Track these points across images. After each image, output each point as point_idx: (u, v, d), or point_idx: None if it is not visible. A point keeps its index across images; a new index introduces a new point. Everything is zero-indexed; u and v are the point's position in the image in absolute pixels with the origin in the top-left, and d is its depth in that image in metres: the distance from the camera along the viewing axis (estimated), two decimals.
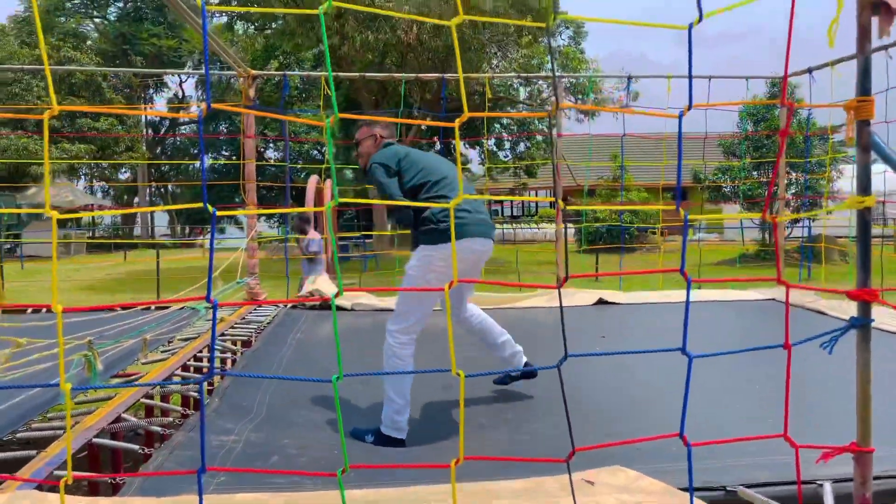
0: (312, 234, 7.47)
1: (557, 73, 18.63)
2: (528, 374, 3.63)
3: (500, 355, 3.62)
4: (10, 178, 24.84)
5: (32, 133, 23.94)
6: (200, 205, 1.74)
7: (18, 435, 2.77)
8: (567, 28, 27.32)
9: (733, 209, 20.01)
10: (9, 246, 24.12)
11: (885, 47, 5.89)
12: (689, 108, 1.89)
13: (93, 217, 35.95)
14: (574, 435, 1.95)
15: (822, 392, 3.66)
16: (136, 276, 16.82)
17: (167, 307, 5.20)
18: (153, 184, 34.54)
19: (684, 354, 1.82)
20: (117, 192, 36.70)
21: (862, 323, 1.92)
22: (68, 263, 20.91)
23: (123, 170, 37.38)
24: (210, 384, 4.34)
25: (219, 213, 1.71)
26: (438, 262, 3.21)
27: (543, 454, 2.70)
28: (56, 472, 2.27)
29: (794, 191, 15.09)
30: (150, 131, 36.66)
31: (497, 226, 27.09)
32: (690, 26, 1.87)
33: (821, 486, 2.29)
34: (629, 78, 6.79)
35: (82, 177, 34.89)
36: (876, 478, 2.03)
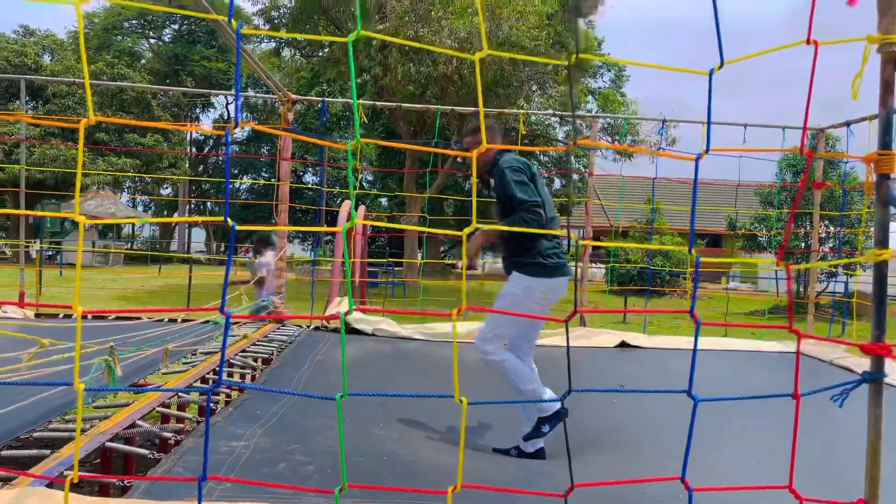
0: (266, 259, 7.45)
1: (595, 114, 18.72)
2: (537, 455, 3.42)
3: (527, 421, 3.45)
4: (56, 186, 25.58)
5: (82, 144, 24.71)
6: (222, 219, 1.80)
7: (35, 434, 2.84)
8: (609, 70, 27.50)
9: (768, 258, 19.69)
10: (50, 253, 24.77)
11: None
12: (707, 151, 1.91)
13: (132, 229, 36.77)
14: (579, 473, 1.94)
15: (837, 447, 3.57)
16: (170, 289, 17.11)
17: (191, 320, 5.29)
18: (193, 199, 35.27)
19: (690, 397, 1.81)
20: (158, 206, 37.52)
21: (874, 378, 1.89)
22: (106, 272, 21.37)
23: (165, 185, 38.27)
24: (228, 397, 4.39)
25: (238, 228, 1.77)
26: (539, 294, 3.35)
27: (546, 489, 2.68)
28: (66, 472, 2.32)
29: (830, 245, 14.82)
30: (193, 149, 37.54)
31: None
32: (711, 72, 1.90)
33: None
34: (663, 121, 6.82)
35: (126, 190, 35.80)
36: None
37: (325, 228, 3.26)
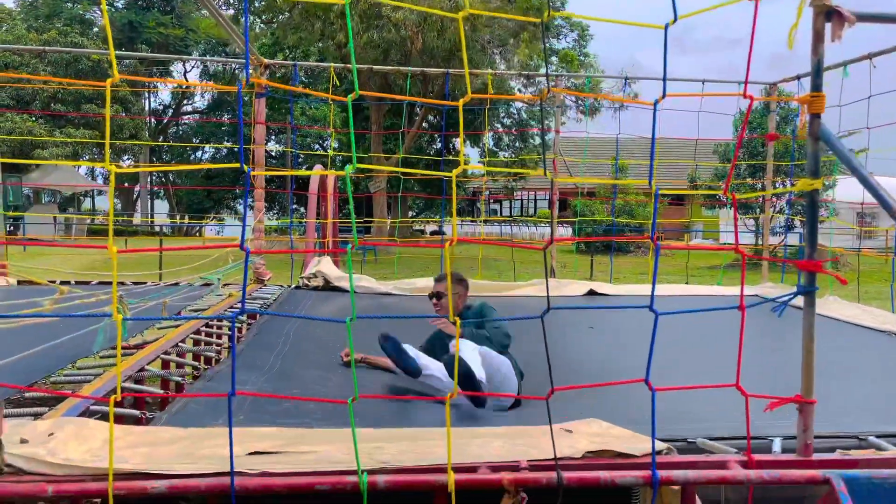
0: None
1: (559, 73, 18.93)
2: None
3: None
4: (14, 159, 25.05)
5: (39, 115, 24.25)
6: (237, 164, 2.01)
7: (52, 379, 3.05)
8: (572, 31, 27.66)
9: (729, 214, 20.34)
10: (10, 228, 24.34)
11: (870, 56, 6.19)
12: (664, 96, 2.18)
13: (94, 203, 36.25)
14: (559, 391, 2.22)
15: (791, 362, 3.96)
16: (137, 260, 17.04)
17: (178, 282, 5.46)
18: (155, 168, 34.76)
19: (651, 311, 2.10)
20: (119, 178, 36.89)
21: (807, 290, 2.20)
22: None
23: (126, 156, 37.64)
24: (219, 354, 4.62)
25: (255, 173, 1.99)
26: None
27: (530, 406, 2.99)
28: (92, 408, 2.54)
29: (787, 198, 15.39)
30: (153, 119, 36.88)
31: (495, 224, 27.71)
32: (667, 25, 2.16)
33: (771, 441, 2.56)
34: (626, 79, 7.08)
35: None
36: (817, 436, 2.30)
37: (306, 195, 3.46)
